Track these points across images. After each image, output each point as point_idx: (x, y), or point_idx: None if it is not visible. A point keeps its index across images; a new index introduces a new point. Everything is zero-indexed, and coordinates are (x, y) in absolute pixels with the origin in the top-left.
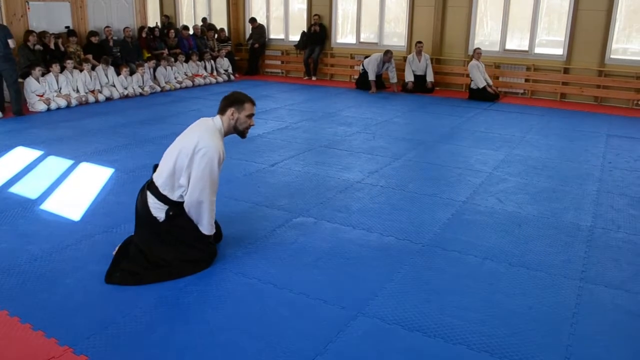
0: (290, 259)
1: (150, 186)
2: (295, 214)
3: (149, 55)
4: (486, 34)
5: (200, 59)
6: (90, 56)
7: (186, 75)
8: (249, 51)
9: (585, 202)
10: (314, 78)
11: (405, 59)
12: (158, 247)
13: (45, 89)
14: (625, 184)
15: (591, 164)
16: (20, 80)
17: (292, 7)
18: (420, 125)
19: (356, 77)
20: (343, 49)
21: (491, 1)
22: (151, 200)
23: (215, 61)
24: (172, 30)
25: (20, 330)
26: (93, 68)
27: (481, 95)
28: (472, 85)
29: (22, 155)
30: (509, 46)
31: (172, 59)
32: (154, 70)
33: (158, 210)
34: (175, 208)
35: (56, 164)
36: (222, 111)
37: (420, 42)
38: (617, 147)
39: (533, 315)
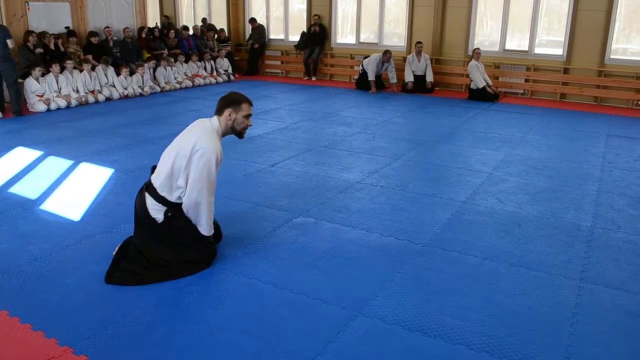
0: (290, 259)
1: (149, 187)
2: (295, 214)
3: (149, 55)
4: (486, 34)
5: (200, 59)
6: (90, 56)
7: (186, 75)
8: (249, 51)
9: (585, 202)
10: (313, 78)
11: (405, 59)
12: (157, 248)
13: (45, 89)
14: (625, 184)
15: (591, 164)
16: (20, 80)
17: (292, 7)
18: (420, 126)
19: (356, 77)
20: (343, 49)
21: (491, 1)
22: (149, 201)
23: (215, 61)
24: (172, 31)
25: (20, 330)
26: (93, 68)
27: (481, 96)
28: (472, 86)
29: (22, 155)
30: (508, 46)
31: (172, 60)
32: (154, 70)
33: (156, 211)
34: (174, 209)
35: (56, 164)
36: (219, 112)
37: (420, 43)
38: (617, 147)
39: (533, 315)
